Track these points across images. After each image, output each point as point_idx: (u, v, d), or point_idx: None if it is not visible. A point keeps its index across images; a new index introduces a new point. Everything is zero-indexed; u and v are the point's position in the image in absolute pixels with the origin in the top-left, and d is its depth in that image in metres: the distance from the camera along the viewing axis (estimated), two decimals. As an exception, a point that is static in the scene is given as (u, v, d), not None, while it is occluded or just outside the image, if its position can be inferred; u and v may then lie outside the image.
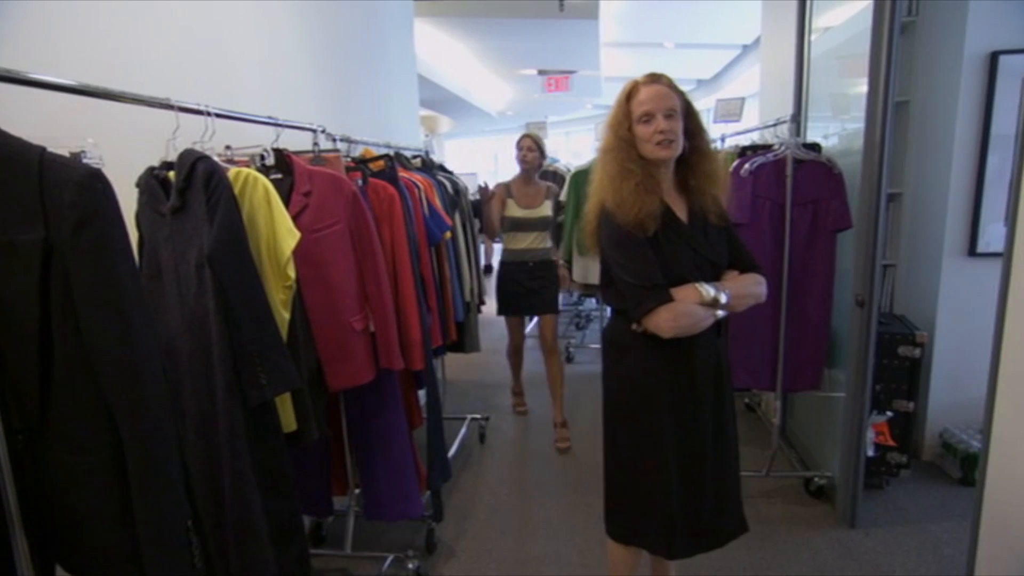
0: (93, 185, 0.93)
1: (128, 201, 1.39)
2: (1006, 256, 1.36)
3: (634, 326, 1.46)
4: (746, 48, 8.64)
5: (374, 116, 3.27)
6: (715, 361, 1.54)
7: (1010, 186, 2.66)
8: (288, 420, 1.57)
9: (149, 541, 0.97)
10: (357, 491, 2.31)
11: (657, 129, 1.40)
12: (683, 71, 10.58)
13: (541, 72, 8.83)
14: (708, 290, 1.42)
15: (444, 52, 7.48)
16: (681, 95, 1.45)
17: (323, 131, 2.07)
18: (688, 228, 1.49)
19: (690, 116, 1.47)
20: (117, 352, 0.95)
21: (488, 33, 6.89)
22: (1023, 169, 1.31)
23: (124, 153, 1.40)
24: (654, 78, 1.44)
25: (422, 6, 5.10)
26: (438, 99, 8.82)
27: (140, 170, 1.43)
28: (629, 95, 1.45)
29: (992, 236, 2.63)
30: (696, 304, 1.41)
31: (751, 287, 1.52)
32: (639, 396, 1.52)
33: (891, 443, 2.55)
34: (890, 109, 2.09)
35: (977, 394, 1.63)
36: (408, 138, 3.65)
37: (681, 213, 1.50)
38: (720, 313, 1.46)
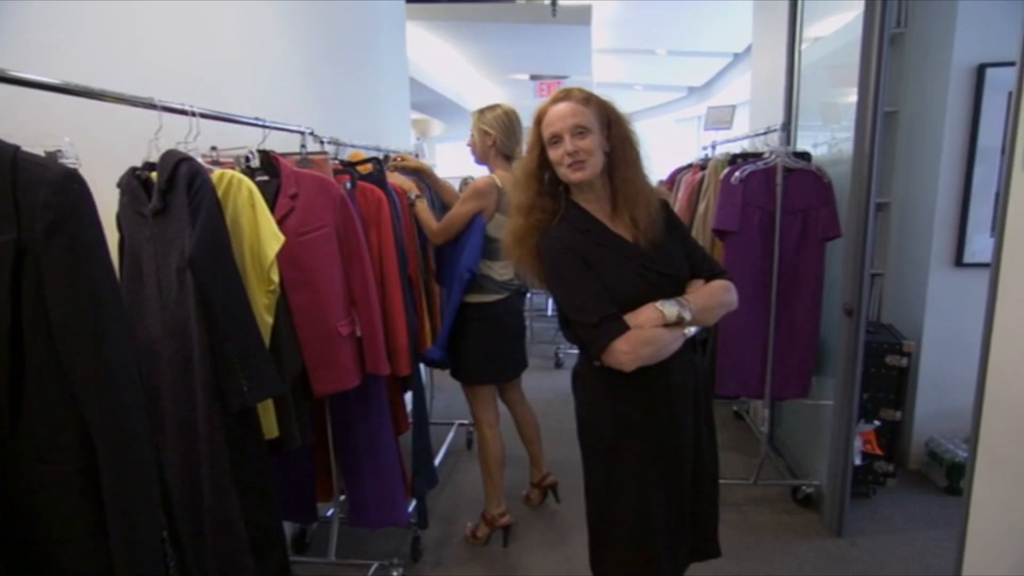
0: (69, 186, 0.90)
1: (109, 201, 1.36)
2: (994, 266, 1.37)
3: (596, 363, 1.34)
4: (737, 56, 8.71)
5: (365, 118, 3.25)
6: (693, 383, 1.42)
7: (996, 197, 2.68)
8: (270, 426, 1.55)
9: (122, 555, 0.94)
10: (342, 497, 2.28)
11: (565, 151, 1.31)
12: (675, 78, 10.68)
13: (533, 77, 8.83)
14: (670, 308, 1.28)
15: (436, 56, 7.47)
16: (599, 106, 1.34)
17: (311, 133, 2.04)
18: (632, 245, 1.36)
19: (613, 125, 1.36)
20: (91, 358, 0.92)
21: (481, 37, 6.89)
22: (1010, 181, 1.32)
23: (105, 153, 1.37)
24: (564, 94, 1.34)
25: (414, 9, 5.08)
26: (430, 102, 8.80)
27: (121, 170, 1.40)
28: (539, 119, 1.36)
29: (978, 246, 2.65)
30: (657, 327, 1.27)
31: (718, 295, 1.38)
32: (613, 435, 1.40)
33: (878, 452, 2.55)
34: (879, 119, 2.10)
35: (963, 403, 1.63)
36: (399, 141, 3.62)
37: (623, 231, 1.38)
38: (691, 330, 1.32)
